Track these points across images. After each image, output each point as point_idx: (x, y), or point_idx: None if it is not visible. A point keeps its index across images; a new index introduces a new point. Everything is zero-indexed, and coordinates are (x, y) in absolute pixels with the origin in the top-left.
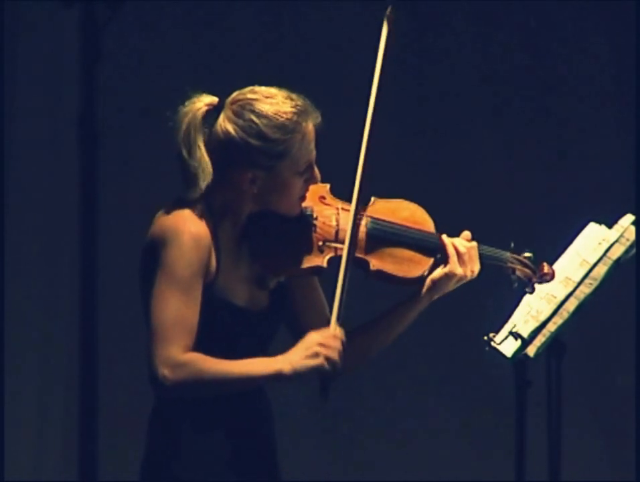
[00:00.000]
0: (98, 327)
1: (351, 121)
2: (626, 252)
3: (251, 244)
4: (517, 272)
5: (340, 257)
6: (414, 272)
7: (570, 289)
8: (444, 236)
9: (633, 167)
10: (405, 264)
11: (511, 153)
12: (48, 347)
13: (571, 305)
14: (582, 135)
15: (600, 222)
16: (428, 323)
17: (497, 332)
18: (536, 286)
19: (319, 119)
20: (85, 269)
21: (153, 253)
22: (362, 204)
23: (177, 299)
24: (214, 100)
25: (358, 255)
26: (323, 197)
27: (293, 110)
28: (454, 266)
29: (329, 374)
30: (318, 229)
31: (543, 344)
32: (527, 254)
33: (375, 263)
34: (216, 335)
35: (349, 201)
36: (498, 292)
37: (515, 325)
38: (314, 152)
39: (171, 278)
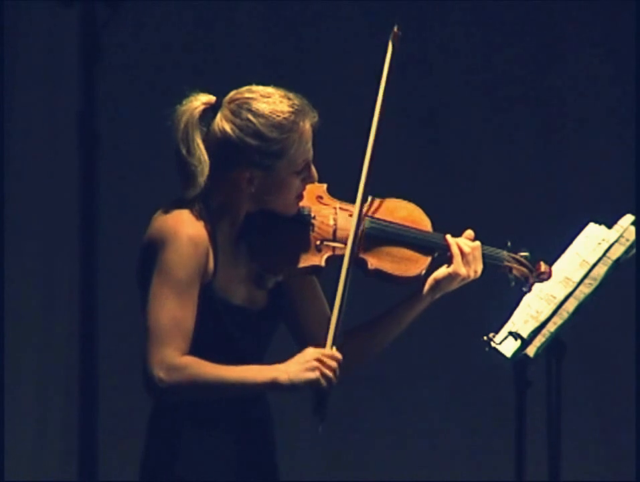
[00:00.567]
0: (97, 327)
1: (349, 122)
2: (626, 252)
3: (249, 243)
4: (514, 271)
5: (337, 256)
6: (412, 270)
7: (570, 289)
8: (448, 236)
9: (633, 167)
10: (403, 263)
11: (510, 153)
12: (48, 347)
13: (571, 305)
14: (582, 135)
15: (600, 222)
16: (428, 323)
17: (496, 332)
18: (533, 285)
19: (316, 118)
20: (85, 269)
21: (151, 254)
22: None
23: (173, 302)
24: (211, 98)
25: (356, 255)
26: (321, 197)
27: (290, 109)
28: (458, 265)
29: (322, 391)
30: (316, 229)
31: (543, 344)
32: (523, 253)
33: (373, 262)
34: (215, 334)
35: (347, 201)
36: (498, 293)
37: (514, 325)
38: (311, 152)
39: (168, 281)
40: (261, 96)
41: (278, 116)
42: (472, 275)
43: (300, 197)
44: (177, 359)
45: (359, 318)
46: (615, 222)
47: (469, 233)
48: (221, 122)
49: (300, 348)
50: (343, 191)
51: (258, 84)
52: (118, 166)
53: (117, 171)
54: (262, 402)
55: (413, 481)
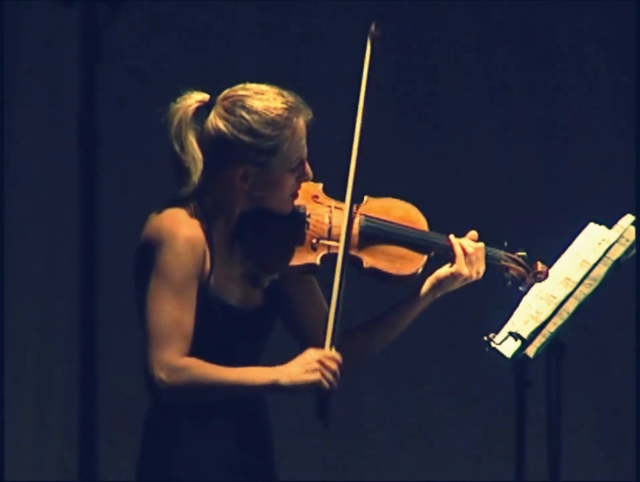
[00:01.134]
0: (97, 327)
1: (344, 121)
2: (626, 252)
3: (244, 242)
4: (511, 271)
5: (332, 254)
6: (408, 269)
7: (570, 289)
8: (451, 236)
9: (633, 166)
10: (398, 262)
11: (510, 153)
12: (48, 347)
13: (571, 306)
14: (582, 135)
15: (600, 222)
16: (428, 323)
17: (496, 332)
18: (531, 285)
19: (310, 116)
20: (85, 269)
21: (148, 255)
22: (355, 203)
23: (172, 303)
24: (205, 96)
25: (351, 253)
26: (316, 196)
27: (284, 105)
28: (460, 266)
29: (324, 393)
30: (311, 227)
31: (542, 344)
32: (520, 253)
33: (368, 261)
34: (211, 334)
35: (343, 200)
36: (498, 293)
37: (514, 326)
38: (305, 149)
39: (166, 282)
40: (255, 93)
41: (271, 112)
42: (474, 275)
43: (295, 195)
44: (177, 361)
45: (358, 319)
46: (615, 222)
47: (473, 234)
48: (215, 120)
49: (301, 348)
50: (339, 191)
51: (252, 81)
52: (118, 166)
53: (117, 171)
54: (258, 400)
55: (413, 481)
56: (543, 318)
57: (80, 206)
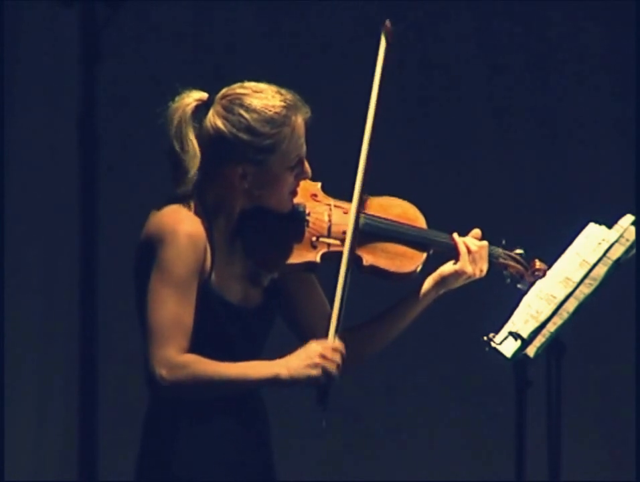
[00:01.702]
0: (98, 326)
1: (344, 120)
2: (626, 252)
3: (244, 240)
4: (510, 269)
5: (332, 252)
6: (407, 266)
7: (570, 289)
8: (455, 235)
9: (633, 167)
10: (397, 259)
11: (510, 153)
12: (48, 347)
13: (571, 305)
14: (582, 135)
15: (600, 222)
16: (428, 323)
17: (496, 332)
18: (530, 282)
19: (309, 114)
20: (85, 269)
21: (149, 252)
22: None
23: (173, 299)
24: (204, 95)
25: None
26: (315, 195)
27: (282, 104)
28: (464, 264)
29: (322, 386)
30: (311, 225)
31: (542, 344)
32: (518, 251)
33: (367, 258)
34: (211, 332)
35: (341, 199)
36: (498, 292)
37: (514, 325)
38: (304, 147)
39: (167, 278)
40: (253, 91)
41: (270, 110)
42: (477, 274)
43: (294, 193)
44: (178, 357)
45: (359, 317)
46: (615, 222)
47: (476, 232)
48: (214, 118)
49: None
50: (337, 190)
51: (250, 80)
52: (118, 166)
53: (117, 171)
54: (258, 401)
55: (413, 481)
56: (543, 318)
57: (80, 206)
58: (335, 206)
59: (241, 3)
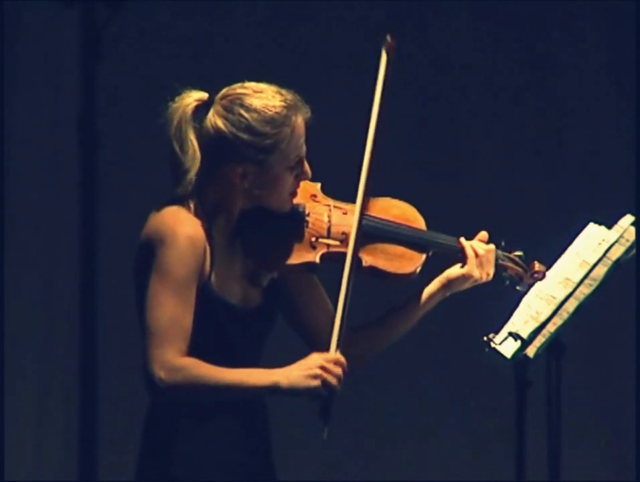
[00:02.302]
0: (98, 326)
1: (344, 122)
2: (626, 252)
3: (244, 240)
4: (509, 271)
5: (331, 253)
6: (407, 268)
7: (570, 290)
8: (462, 239)
9: (633, 166)
10: (397, 260)
11: (510, 153)
12: (48, 348)
13: (571, 306)
14: (582, 135)
15: (600, 222)
16: (428, 323)
17: (496, 332)
18: (529, 284)
19: (309, 114)
20: (85, 269)
21: (148, 253)
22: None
23: (172, 301)
24: (204, 95)
25: None
26: (315, 196)
27: (282, 104)
28: (472, 267)
29: (324, 398)
30: (310, 225)
31: (542, 345)
32: (517, 253)
33: (367, 259)
34: (211, 333)
35: (341, 200)
36: (498, 293)
37: (514, 326)
38: (304, 147)
39: (167, 280)
40: (253, 91)
41: (270, 110)
42: (484, 277)
43: (294, 193)
44: (177, 360)
45: (361, 318)
46: (615, 222)
47: (483, 234)
48: (214, 118)
49: (308, 347)
50: (337, 191)
51: (251, 80)
52: (118, 166)
53: (117, 171)
54: (258, 402)
55: (413, 481)
56: (543, 318)
57: (79, 206)
58: (334, 207)
59: (241, 3)
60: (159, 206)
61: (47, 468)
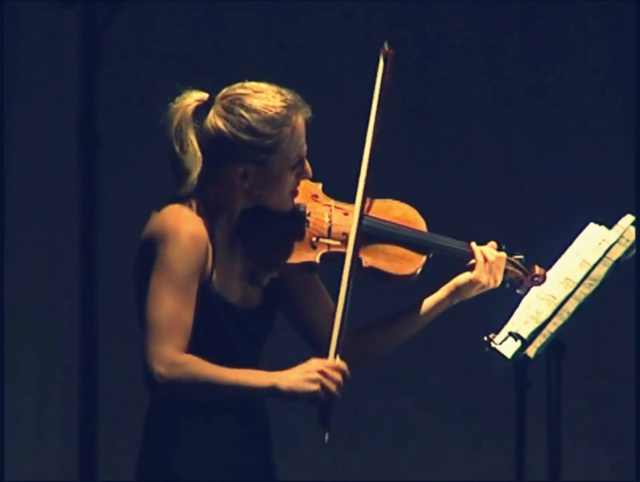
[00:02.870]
0: (97, 327)
1: (345, 122)
2: (626, 252)
3: (244, 239)
4: (509, 274)
5: (332, 253)
6: (407, 269)
7: (570, 290)
8: (473, 244)
9: (633, 167)
10: (397, 261)
11: (510, 154)
12: (48, 347)
13: (571, 306)
14: (582, 135)
15: (600, 222)
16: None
17: (496, 332)
18: (528, 287)
19: (309, 113)
20: (85, 269)
21: (150, 250)
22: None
23: (174, 297)
24: (204, 96)
25: None
26: (316, 196)
27: (282, 104)
28: (480, 273)
29: (323, 403)
30: (311, 225)
31: (543, 345)
32: (518, 256)
33: (367, 260)
34: (211, 332)
35: (342, 201)
36: (499, 294)
37: (515, 326)
38: (304, 147)
39: (168, 276)
40: (253, 91)
41: (270, 110)
42: (492, 284)
43: (294, 193)
44: (176, 356)
45: (359, 320)
46: (615, 222)
47: (492, 244)
48: (214, 119)
49: (312, 348)
50: (338, 192)
51: (251, 80)
52: (118, 166)
53: (117, 171)
54: (258, 401)
55: (413, 481)
56: (543, 318)
57: (80, 206)
58: (335, 207)
59: (241, 3)
60: (160, 206)
61: (47, 468)
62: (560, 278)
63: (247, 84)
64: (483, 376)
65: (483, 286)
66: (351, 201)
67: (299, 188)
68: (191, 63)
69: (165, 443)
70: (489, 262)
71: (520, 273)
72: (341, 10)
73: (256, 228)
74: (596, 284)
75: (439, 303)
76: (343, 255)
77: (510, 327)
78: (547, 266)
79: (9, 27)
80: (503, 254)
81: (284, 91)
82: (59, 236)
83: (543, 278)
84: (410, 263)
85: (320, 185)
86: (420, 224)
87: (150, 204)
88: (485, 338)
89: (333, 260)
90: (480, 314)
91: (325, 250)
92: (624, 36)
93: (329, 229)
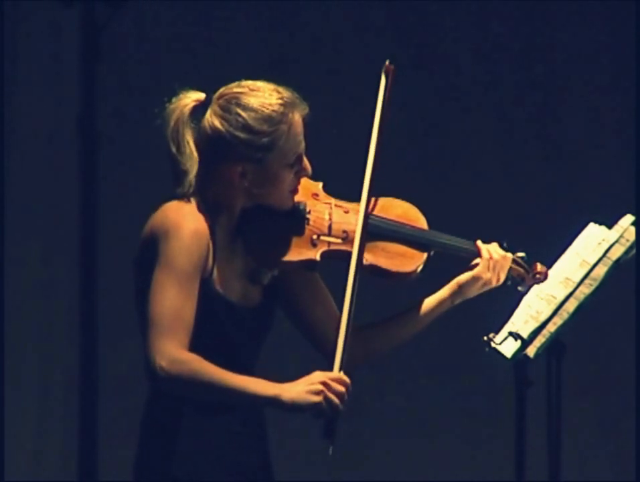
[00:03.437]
0: (97, 327)
1: (346, 121)
2: (626, 252)
3: (245, 238)
4: (511, 271)
5: (332, 251)
6: (408, 266)
7: (570, 290)
8: (478, 242)
9: (633, 166)
10: (397, 259)
11: (510, 154)
12: (48, 348)
13: (571, 306)
14: (582, 135)
15: (600, 222)
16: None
17: (496, 332)
18: (530, 285)
19: (307, 110)
20: (85, 269)
21: (152, 246)
22: (355, 202)
23: (176, 293)
24: (201, 95)
25: (351, 250)
26: (316, 194)
27: (279, 101)
28: (483, 269)
29: (327, 416)
30: (311, 223)
31: (543, 344)
32: (520, 254)
33: (368, 258)
34: (211, 330)
35: (342, 199)
36: (499, 293)
37: (514, 326)
38: (303, 144)
39: (171, 272)
40: (250, 90)
41: (267, 108)
42: (494, 282)
43: (294, 191)
44: (179, 352)
45: (362, 321)
46: (615, 222)
47: (496, 245)
48: (211, 118)
49: (313, 347)
50: (339, 192)
51: (247, 79)
52: (118, 166)
53: (117, 170)
54: None
55: (413, 481)
56: (543, 318)
57: (80, 206)
58: (335, 205)
59: (241, 3)
60: (164, 204)
61: (47, 468)
62: (560, 278)
63: (244, 82)
64: (483, 376)
65: (485, 284)
66: (353, 200)
67: (300, 187)
68: (191, 62)
69: (163, 442)
70: (493, 259)
71: (522, 271)
72: (344, 9)
73: (257, 226)
74: (596, 284)
75: (441, 302)
76: (344, 252)
77: (510, 326)
78: (548, 265)
79: (9, 27)
80: (510, 254)
81: (281, 89)
82: (59, 236)
83: (545, 276)
84: (410, 260)
85: (320, 184)
86: (421, 222)
87: (150, 204)
88: (485, 338)
89: (334, 258)
90: (480, 314)
91: (325, 248)
92: (625, 36)
93: (330, 227)
